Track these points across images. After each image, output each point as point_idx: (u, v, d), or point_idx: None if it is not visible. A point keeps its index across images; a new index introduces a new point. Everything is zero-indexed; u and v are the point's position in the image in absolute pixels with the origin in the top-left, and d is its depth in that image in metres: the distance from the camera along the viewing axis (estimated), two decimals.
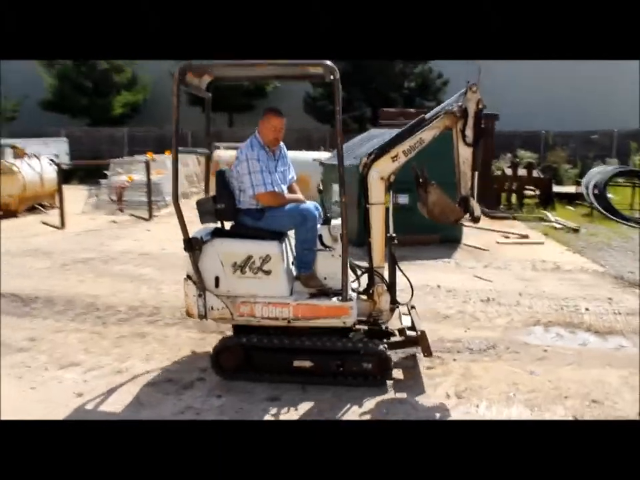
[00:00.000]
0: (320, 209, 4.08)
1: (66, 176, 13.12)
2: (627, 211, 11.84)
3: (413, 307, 4.45)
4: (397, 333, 4.22)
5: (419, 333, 4.02)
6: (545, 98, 22.01)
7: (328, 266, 3.93)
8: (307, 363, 3.83)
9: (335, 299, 3.85)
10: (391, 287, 4.08)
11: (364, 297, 4.11)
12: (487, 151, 13.69)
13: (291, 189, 4.23)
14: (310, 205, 3.99)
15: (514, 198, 13.13)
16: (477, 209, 3.88)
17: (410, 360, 4.31)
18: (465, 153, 3.80)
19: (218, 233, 4.02)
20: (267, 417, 3.47)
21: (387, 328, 4.19)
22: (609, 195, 12.08)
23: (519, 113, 21.07)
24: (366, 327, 4.13)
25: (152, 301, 5.77)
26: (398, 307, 4.20)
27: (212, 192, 4.22)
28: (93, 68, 21.63)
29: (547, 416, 3.49)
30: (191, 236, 3.83)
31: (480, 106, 3.73)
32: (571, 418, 3.49)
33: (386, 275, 4.09)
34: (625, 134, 19.47)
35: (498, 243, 9.06)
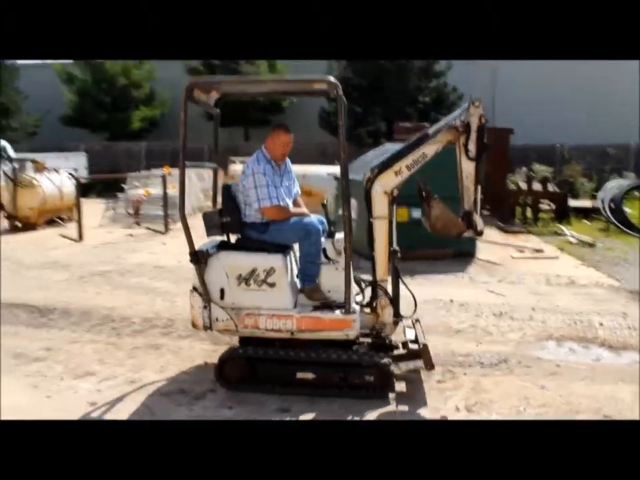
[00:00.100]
0: (325, 223, 4.13)
1: (84, 190, 13.36)
2: None
3: (417, 321, 4.48)
4: (400, 345, 4.24)
5: (421, 346, 4.03)
6: (561, 112, 21.95)
7: (332, 279, 3.98)
8: (310, 375, 3.86)
9: (338, 311, 3.88)
10: (394, 300, 4.11)
11: (367, 309, 4.14)
12: (502, 165, 13.71)
13: (295, 203, 4.29)
14: (314, 218, 4.05)
15: (529, 212, 13.07)
16: (479, 223, 3.91)
17: (418, 373, 4.31)
18: (467, 168, 3.83)
19: (223, 246, 4.09)
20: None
21: (390, 341, 4.21)
22: (626, 209, 11.98)
23: (535, 127, 21.04)
24: (370, 340, 4.16)
25: (166, 313, 5.84)
26: (401, 320, 4.21)
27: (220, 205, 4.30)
28: (113, 84, 22.05)
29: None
30: (197, 249, 3.91)
31: (483, 120, 3.76)
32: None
33: (390, 288, 4.11)
34: None
35: (512, 257, 9.01)
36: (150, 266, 8.14)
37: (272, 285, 3.88)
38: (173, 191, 12.19)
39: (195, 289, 4.00)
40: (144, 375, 4.29)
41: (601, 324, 5.56)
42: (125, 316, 5.75)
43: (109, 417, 3.64)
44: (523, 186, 13.45)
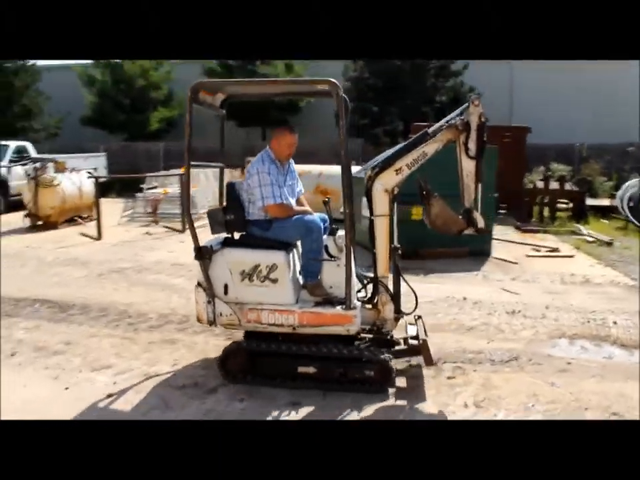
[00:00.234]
0: (327, 221, 4.21)
1: (103, 189, 13.57)
2: None
3: (419, 317, 4.53)
4: (401, 342, 4.30)
5: (420, 342, 4.08)
6: (580, 110, 21.73)
7: (334, 275, 4.05)
8: (311, 369, 3.95)
9: (339, 307, 3.95)
10: (395, 297, 4.16)
11: (369, 306, 4.21)
12: (519, 163, 13.65)
13: (298, 202, 4.39)
14: (315, 216, 4.13)
15: (546, 211, 12.99)
16: (480, 220, 3.95)
17: (431, 369, 4.35)
18: (468, 166, 3.87)
19: (227, 243, 4.18)
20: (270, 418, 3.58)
21: (391, 337, 4.27)
22: None
23: (553, 126, 20.85)
24: (371, 336, 4.22)
25: (182, 309, 5.94)
26: (402, 317, 4.26)
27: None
28: (131, 86, 22.31)
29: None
30: (201, 245, 4.01)
31: (482, 119, 3.80)
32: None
33: (391, 285, 4.17)
34: None
35: (527, 256, 8.98)
36: (167, 263, 8.27)
37: (274, 281, 3.96)
38: (191, 190, 12.35)
39: (199, 284, 4.11)
40: (159, 369, 4.39)
41: (615, 322, 5.54)
42: (141, 312, 5.87)
43: (123, 408, 3.75)
44: (540, 185, 13.37)
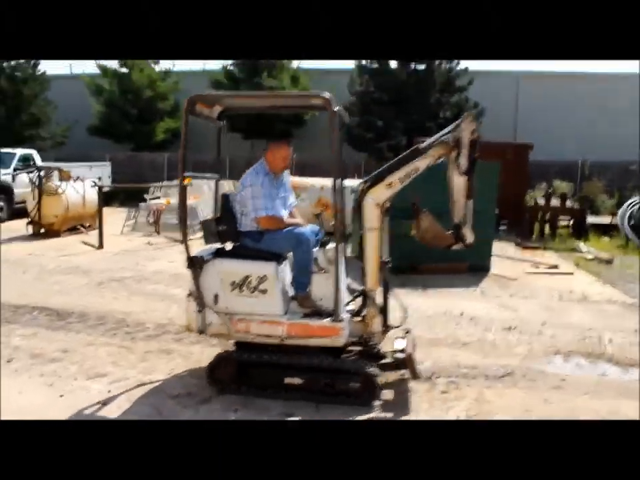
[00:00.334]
0: (320, 233, 4.26)
1: (107, 198, 13.66)
2: None
3: (408, 331, 4.55)
4: (389, 355, 4.33)
5: (406, 356, 4.12)
6: (583, 127, 21.81)
7: (323, 287, 4.09)
8: (297, 380, 3.99)
9: (327, 319, 3.98)
10: (383, 310, 4.20)
11: (357, 318, 4.25)
12: (521, 180, 13.68)
13: (291, 215, 4.46)
14: (306, 229, 4.18)
15: (547, 228, 13.00)
16: (469, 236, 3.98)
17: (425, 384, 4.37)
18: (458, 182, 3.91)
19: (219, 253, 4.24)
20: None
21: (378, 350, 4.30)
22: None
23: (557, 143, 20.93)
24: (359, 348, 4.26)
25: (180, 320, 5.97)
26: (390, 330, 4.29)
27: None
28: (139, 96, 22.51)
29: None
30: (193, 255, 4.07)
31: (474, 135, 3.84)
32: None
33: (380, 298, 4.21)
34: None
35: (527, 272, 8.99)
36: (167, 273, 8.31)
37: (264, 292, 4.01)
38: (193, 201, 12.43)
39: (190, 293, 4.17)
40: (154, 378, 4.42)
41: (611, 340, 5.54)
42: (139, 321, 5.91)
43: (117, 416, 3.77)
44: (541, 202, 13.40)
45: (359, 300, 4.31)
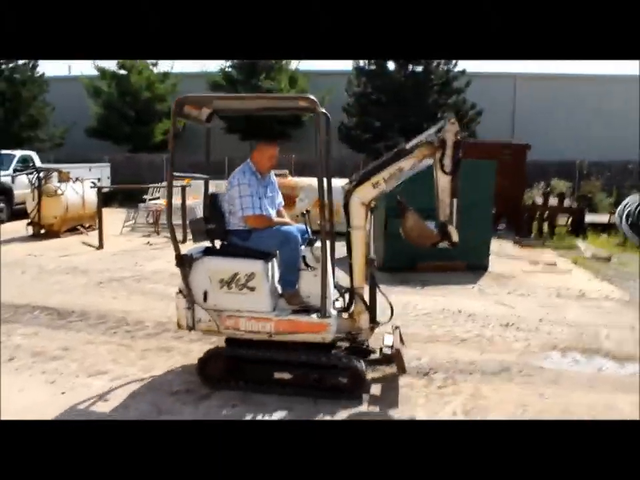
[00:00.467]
0: (309, 232, 4.32)
1: (107, 199, 13.68)
2: None
3: (396, 327, 4.62)
4: (377, 351, 4.41)
5: (393, 351, 4.19)
6: (581, 127, 21.89)
7: (311, 285, 4.15)
8: (286, 375, 4.05)
9: (314, 315, 4.04)
10: (370, 307, 4.25)
11: (345, 315, 4.32)
12: (519, 180, 13.73)
13: (279, 214, 4.52)
14: (293, 227, 4.25)
15: (545, 226, 13.06)
16: (454, 234, 4.03)
17: (423, 379, 4.41)
18: (443, 181, 3.96)
19: (208, 251, 4.30)
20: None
21: (367, 346, 4.39)
22: None
23: (555, 142, 21.00)
24: (348, 344, 4.34)
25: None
26: (377, 326, 4.34)
27: None
28: (137, 98, 22.55)
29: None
30: (182, 253, 4.13)
31: (458, 137, 3.91)
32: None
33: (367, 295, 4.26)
34: None
35: (525, 270, 9.04)
36: (166, 273, 8.33)
37: (252, 289, 4.06)
38: (192, 201, 12.47)
39: (180, 291, 4.23)
40: (154, 375, 4.46)
41: (607, 336, 5.59)
42: (139, 320, 5.94)
43: (118, 412, 3.81)
44: (539, 201, 13.46)
45: (347, 296, 4.38)
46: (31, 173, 12.43)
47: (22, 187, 13.92)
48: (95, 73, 23.14)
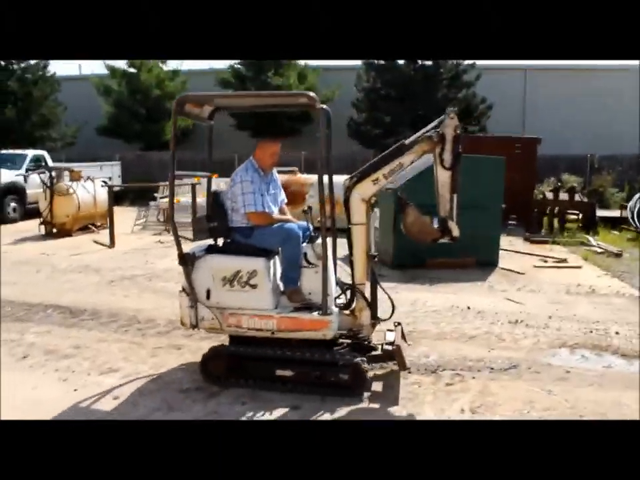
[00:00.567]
0: (311, 229, 4.33)
1: (118, 198, 13.78)
2: None
3: (398, 324, 4.62)
4: (378, 347, 4.42)
5: (394, 347, 4.19)
6: (592, 121, 21.69)
7: (312, 282, 4.16)
8: (288, 372, 4.08)
9: (316, 312, 4.07)
10: (372, 303, 4.27)
11: (346, 312, 4.33)
12: (529, 174, 13.66)
13: (281, 211, 4.55)
14: (295, 225, 4.26)
15: (555, 222, 12.98)
16: (454, 229, 4.04)
17: (430, 376, 4.43)
18: (443, 176, 3.97)
19: (211, 249, 4.34)
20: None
21: (369, 342, 4.40)
22: None
23: (566, 137, 20.83)
24: (350, 341, 4.34)
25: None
26: (379, 323, 4.37)
27: None
28: (147, 96, 22.66)
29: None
30: (185, 251, 4.17)
31: (458, 131, 3.91)
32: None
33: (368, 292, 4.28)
34: None
35: (535, 266, 9.01)
36: (177, 271, 8.32)
37: (254, 287, 4.10)
38: (202, 199, 12.53)
39: (183, 289, 4.27)
40: (164, 373, 4.51)
41: (617, 333, 5.57)
42: (150, 318, 6.01)
43: (128, 410, 3.87)
44: (549, 196, 13.38)
45: (349, 293, 4.39)
46: (43, 172, 12.57)
47: (34, 186, 14.07)
48: (105, 71, 23.28)
